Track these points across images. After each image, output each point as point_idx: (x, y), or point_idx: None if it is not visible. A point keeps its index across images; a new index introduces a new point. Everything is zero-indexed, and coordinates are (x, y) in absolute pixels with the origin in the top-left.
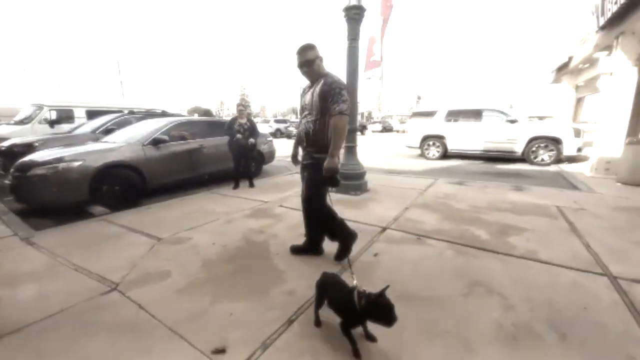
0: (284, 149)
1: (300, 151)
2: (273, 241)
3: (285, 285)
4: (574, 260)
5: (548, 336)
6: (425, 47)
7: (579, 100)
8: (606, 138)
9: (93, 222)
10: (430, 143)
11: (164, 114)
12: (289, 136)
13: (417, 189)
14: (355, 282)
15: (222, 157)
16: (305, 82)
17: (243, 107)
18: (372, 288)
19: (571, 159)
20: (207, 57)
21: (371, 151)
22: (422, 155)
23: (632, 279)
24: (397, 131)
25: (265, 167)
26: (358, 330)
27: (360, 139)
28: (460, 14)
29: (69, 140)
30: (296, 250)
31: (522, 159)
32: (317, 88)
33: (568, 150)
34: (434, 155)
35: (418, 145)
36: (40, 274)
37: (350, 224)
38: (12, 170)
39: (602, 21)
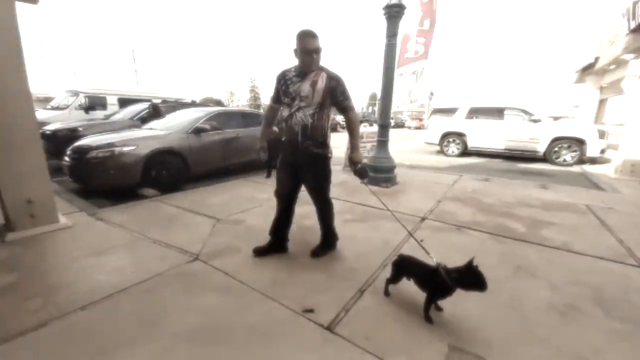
0: None
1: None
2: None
3: (346, 263)
4: (608, 252)
5: (593, 311)
6: (440, 42)
7: (602, 102)
8: (633, 140)
9: (149, 203)
10: (450, 140)
11: (193, 104)
12: None
13: (444, 183)
14: (435, 260)
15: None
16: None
17: None
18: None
19: (593, 161)
20: (217, 48)
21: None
22: (441, 151)
23: None
24: (409, 127)
25: None
26: (415, 299)
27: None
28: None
29: (109, 126)
30: (316, 254)
31: (543, 159)
32: (321, 81)
33: (591, 151)
34: (453, 152)
35: (437, 141)
36: (124, 245)
37: (386, 213)
38: (69, 153)
39: (633, 24)
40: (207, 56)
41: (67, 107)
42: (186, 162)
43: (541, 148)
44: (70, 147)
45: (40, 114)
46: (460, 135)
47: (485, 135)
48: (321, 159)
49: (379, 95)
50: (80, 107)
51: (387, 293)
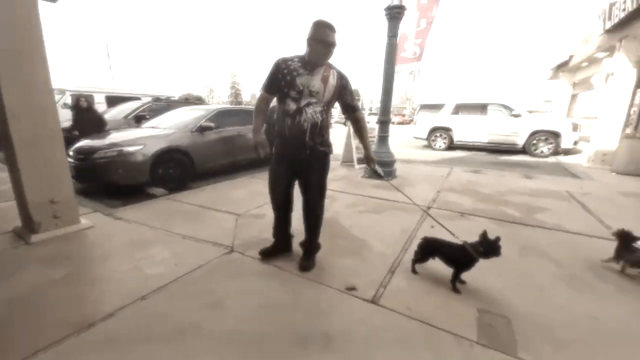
0: None
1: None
2: (338, 217)
3: (373, 249)
4: (593, 230)
5: (587, 277)
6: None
7: (574, 97)
8: (604, 132)
9: (162, 201)
10: (438, 134)
11: (186, 102)
12: None
13: (438, 175)
14: (459, 239)
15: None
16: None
17: None
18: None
19: (567, 152)
20: (196, 44)
21: None
22: (428, 146)
23: None
24: (393, 122)
25: None
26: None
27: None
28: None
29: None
30: (305, 268)
31: (522, 151)
32: (332, 77)
33: (566, 143)
34: (440, 146)
35: (425, 136)
36: (156, 241)
37: (395, 204)
38: (72, 154)
39: (608, 25)
40: (185, 52)
41: None
42: (192, 161)
43: (521, 141)
44: (72, 148)
45: None
46: (446, 130)
47: (470, 129)
48: (325, 156)
49: (361, 92)
50: (66, 105)
51: (414, 271)
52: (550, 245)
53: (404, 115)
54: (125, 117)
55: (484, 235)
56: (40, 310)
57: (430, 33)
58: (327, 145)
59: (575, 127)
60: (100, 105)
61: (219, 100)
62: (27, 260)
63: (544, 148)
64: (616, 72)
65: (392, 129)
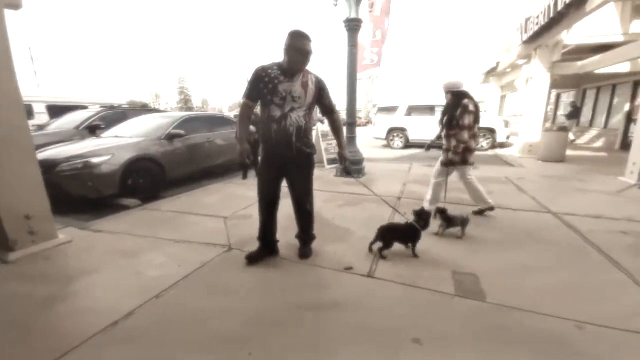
0: None
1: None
2: (320, 211)
3: (355, 235)
4: (527, 206)
5: (527, 240)
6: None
7: (502, 97)
8: (528, 127)
9: (137, 211)
10: (395, 134)
11: (144, 109)
12: None
13: (401, 171)
14: (405, 218)
15: (227, 149)
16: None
17: None
18: None
19: (502, 145)
20: (139, 48)
21: None
22: (387, 145)
23: (563, 213)
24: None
25: None
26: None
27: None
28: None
29: (54, 137)
30: (305, 254)
31: None
32: (311, 82)
33: (500, 137)
34: (397, 145)
35: (384, 136)
36: (148, 248)
37: (368, 197)
38: None
39: (524, 36)
40: (124, 56)
41: None
42: (163, 169)
43: None
44: None
45: None
46: (402, 130)
47: (422, 129)
48: (310, 157)
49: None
50: None
51: (383, 257)
52: (495, 219)
53: (359, 118)
54: (77, 127)
55: (420, 211)
56: (47, 327)
57: (386, 42)
58: (311, 147)
59: (506, 124)
60: (41, 116)
61: (167, 107)
62: (10, 279)
63: (484, 143)
64: (534, 76)
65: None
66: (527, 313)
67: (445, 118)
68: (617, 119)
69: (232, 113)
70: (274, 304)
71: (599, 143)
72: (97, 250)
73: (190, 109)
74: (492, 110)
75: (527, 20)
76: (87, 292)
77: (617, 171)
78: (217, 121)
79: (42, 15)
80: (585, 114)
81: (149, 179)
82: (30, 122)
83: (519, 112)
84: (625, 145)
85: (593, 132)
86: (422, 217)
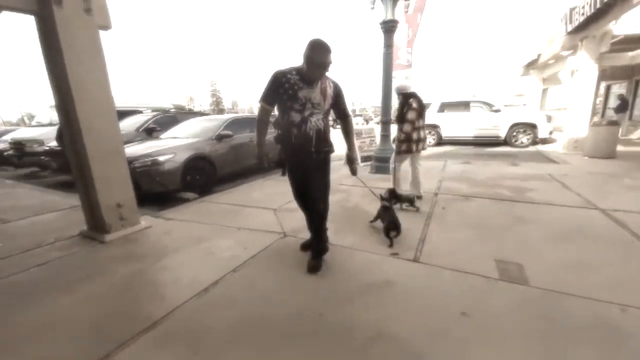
0: None
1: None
2: (359, 205)
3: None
4: (574, 202)
5: (571, 235)
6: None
7: (544, 91)
8: (574, 122)
9: (197, 203)
10: (427, 132)
11: (192, 113)
12: None
13: (436, 168)
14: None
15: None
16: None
17: None
18: (452, 227)
19: (544, 141)
20: (175, 53)
21: None
22: None
23: (611, 209)
24: (377, 123)
25: None
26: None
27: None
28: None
29: None
30: (315, 268)
31: (504, 143)
32: (329, 88)
33: (542, 133)
34: (430, 142)
35: None
36: (215, 234)
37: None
38: None
39: (569, 27)
40: (161, 61)
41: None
42: (214, 166)
43: (502, 133)
44: None
45: (29, 131)
46: (434, 127)
47: (456, 126)
48: (328, 155)
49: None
50: None
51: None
52: (541, 215)
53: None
54: (137, 129)
55: (391, 191)
56: (152, 292)
57: (418, 39)
58: (330, 146)
59: (549, 119)
60: None
61: (201, 109)
62: (109, 256)
63: (524, 139)
64: (580, 68)
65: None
66: (570, 297)
67: (397, 114)
68: None
69: None
70: (332, 280)
71: None
72: (173, 235)
73: (221, 110)
74: (532, 104)
75: (572, 10)
76: (174, 266)
77: None
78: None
79: None
80: None
81: (203, 175)
82: None
83: (563, 106)
84: None
85: None
86: (387, 197)
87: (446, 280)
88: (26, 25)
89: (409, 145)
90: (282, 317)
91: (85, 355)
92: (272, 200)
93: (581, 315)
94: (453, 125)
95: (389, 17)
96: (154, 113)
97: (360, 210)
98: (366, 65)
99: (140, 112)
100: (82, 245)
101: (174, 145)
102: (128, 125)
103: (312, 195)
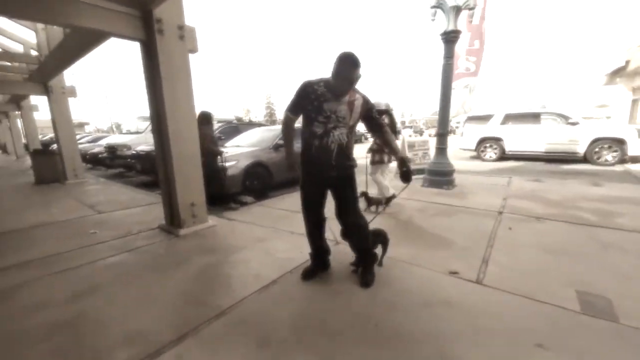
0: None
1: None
2: (413, 219)
3: (457, 244)
4: None
5: None
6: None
7: (634, 102)
8: None
9: (254, 207)
10: (487, 145)
11: (251, 124)
12: None
13: (499, 184)
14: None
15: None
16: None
17: None
18: (521, 249)
19: (634, 159)
20: (231, 67)
21: None
22: (477, 157)
23: None
24: (430, 134)
25: None
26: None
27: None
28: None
29: None
30: (367, 283)
31: (582, 160)
32: (357, 104)
33: (632, 150)
34: (490, 156)
35: (474, 147)
36: (273, 236)
37: (462, 209)
38: None
39: None
40: (223, 75)
41: (142, 131)
42: (270, 173)
43: (581, 149)
44: None
45: (120, 137)
46: (497, 140)
47: (523, 139)
48: (352, 170)
49: (392, 105)
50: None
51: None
52: (633, 245)
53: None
54: None
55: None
56: (222, 282)
57: (485, 50)
58: (352, 161)
59: None
60: None
61: (256, 120)
62: (185, 248)
63: (609, 156)
64: None
65: (431, 142)
66: None
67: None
68: None
69: None
70: (387, 292)
71: None
72: (236, 234)
73: (274, 122)
74: (619, 117)
75: None
76: (239, 262)
77: None
78: None
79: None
80: None
81: (261, 181)
82: None
83: None
84: None
85: None
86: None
87: (515, 307)
88: (114, 51)
89: (381, 156)
90: (337, 321)
91: (168, 333)
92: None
93: None
94: (519, 138)
95: (451, 27)
96: (220, 124)
97: (413, 223)
98: (418, 76)
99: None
100: (161, 237)
101: (236, 153)
102: None
103: (342, 208)
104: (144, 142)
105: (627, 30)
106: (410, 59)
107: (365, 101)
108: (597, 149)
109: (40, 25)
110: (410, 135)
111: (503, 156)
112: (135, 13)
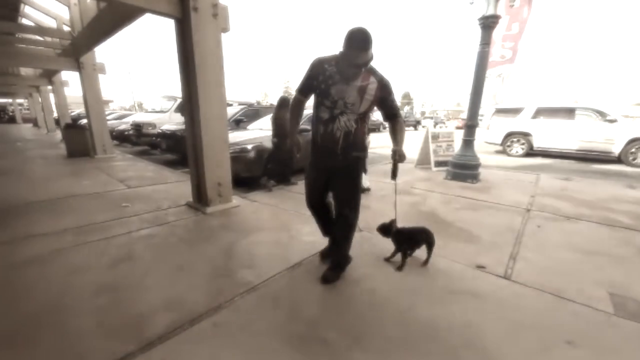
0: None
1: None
2: (437, 212)
3: (484, 239)
4: None
5: None
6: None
7: None
8: None
9: (277, 190)
10: (515, 140)
11: (272, 107)
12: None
13: (526, 181)
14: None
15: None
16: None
17: None
18: (550, 248)
19: None
20: (249, 51)
21: None
22: (503, 151)
23: None
24: (447, 126)
25: None
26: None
27: (417, 134)
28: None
29: None
30: (327, 279)
31: (617, 160)
32: (370, 88)
33: None
34: (517, 152)
35: (500, 141)
36: (296, 220)
37: (488, 204)
38: None
39: None
40: (243, 59)
41: (167, 110)
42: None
43: (616, 149)
44: None
45: (146, 116)
46: (525, 135)
47: (555, 135)
48: (358, 161)
49: (412, 95)
50: (178, 109)
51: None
52: None
53: (463, 119)
54: (228, 120)
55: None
56: (249, 259)
57: (524, 35)
58: (361, 150)
59: None
60: None
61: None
62: (213, 225)
63: None
64: None
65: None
66: None
67: None
68: None
69: None
70: (415, 279)
71: None
72: (259, 215)
73: None
74: None
75: None
76: (264, 242)
77: None
78: None
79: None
80: None
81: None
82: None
83: None
84: None
85: None
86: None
87: (544, 304)
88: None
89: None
90: (364, 304)
91: (204, 302)
92: None
93: None
94: (550, 134)
95: (491, 12)
96: (242, 106)
97: (438, 215)
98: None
99: (230, 105)
100: (189, 213)
101: (259, 136)
102: None
103: (338, 197)
104: (168, 121)
105: None
106: (433, 48)
107: (381, 85)
108: (633, 150)
109: (73, 0)
110: (434, 127)
111: (530, 152)
112: None
